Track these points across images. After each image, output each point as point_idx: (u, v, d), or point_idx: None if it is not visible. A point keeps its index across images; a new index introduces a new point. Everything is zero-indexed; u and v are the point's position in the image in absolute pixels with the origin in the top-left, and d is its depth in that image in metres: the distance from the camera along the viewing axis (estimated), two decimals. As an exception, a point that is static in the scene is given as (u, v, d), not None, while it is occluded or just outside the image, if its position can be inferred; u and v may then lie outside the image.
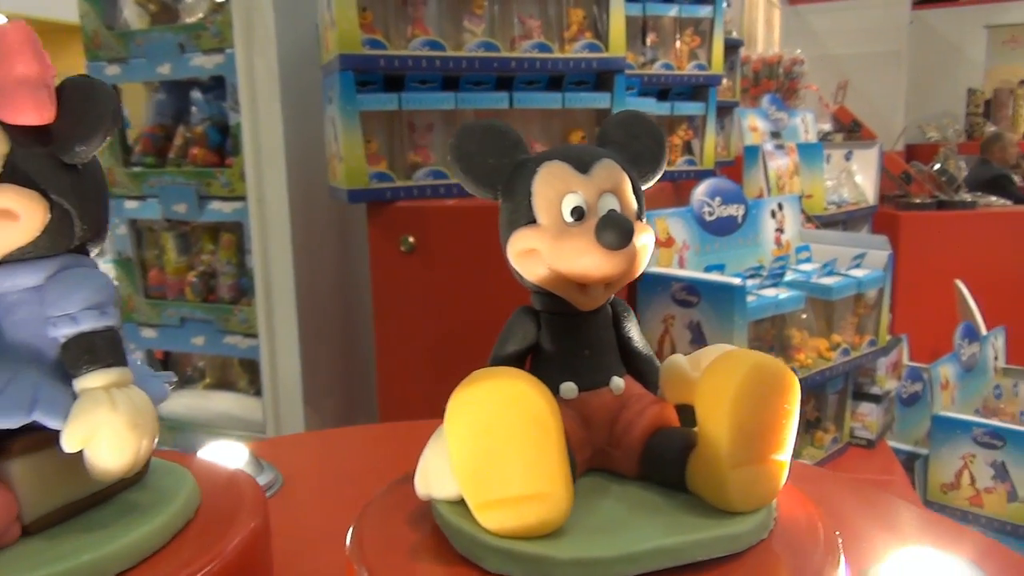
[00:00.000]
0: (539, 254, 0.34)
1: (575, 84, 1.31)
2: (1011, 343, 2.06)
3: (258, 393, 1.84)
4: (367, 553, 0.33)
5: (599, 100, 1.30)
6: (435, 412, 1.01)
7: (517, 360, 0.36)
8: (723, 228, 1.40)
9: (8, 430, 0.32)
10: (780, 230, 1.49)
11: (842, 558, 0.31)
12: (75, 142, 0.34)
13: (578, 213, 0.34)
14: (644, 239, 0.35)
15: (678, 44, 1.61)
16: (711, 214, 1.38)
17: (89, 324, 0.33)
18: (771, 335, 1.30)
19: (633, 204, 0.36)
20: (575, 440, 0.34)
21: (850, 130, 4.31)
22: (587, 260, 0.32)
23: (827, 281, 1.31)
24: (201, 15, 1.67)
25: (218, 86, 1.65)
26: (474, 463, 0.30)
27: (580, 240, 0.33)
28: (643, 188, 0.37)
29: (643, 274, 1.30)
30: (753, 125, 1.95)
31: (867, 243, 1.43)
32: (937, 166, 3.45)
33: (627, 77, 1.33)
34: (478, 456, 0.30)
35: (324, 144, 1.41)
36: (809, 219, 1.67)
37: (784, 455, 0.32)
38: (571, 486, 0.30)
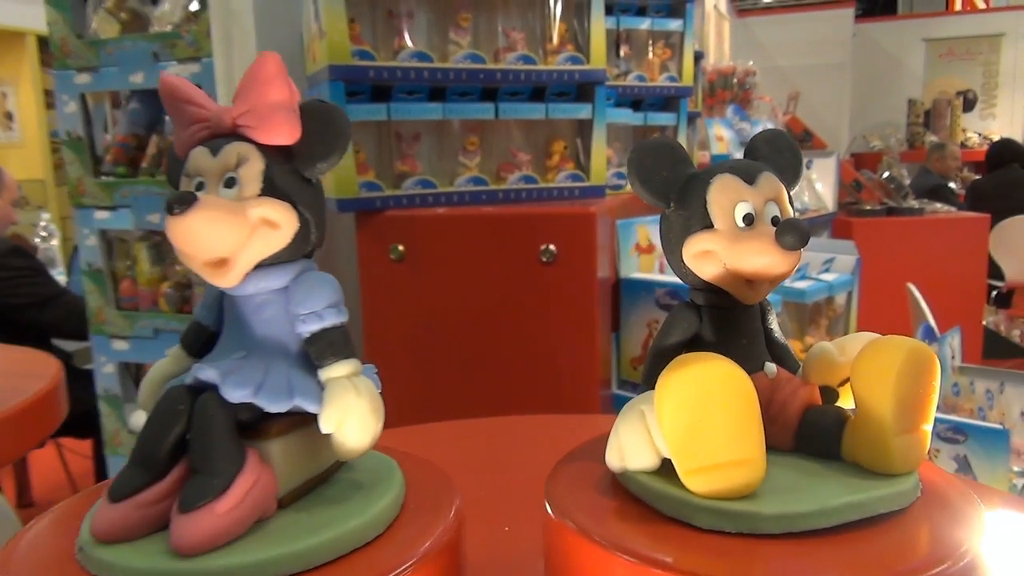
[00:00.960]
0: (715, 255, 0.38)
1: (557, 95, 1.34)
2: (963, 342, 2.16)
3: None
4: (577, 518, 0.36)
5: (581, 110, 1.34)
6: (424, 418, 1.04)
7: (680, 349, 0.40)
8: (700, 234, 1.44)
9: (259, 416, 0.35)
10: (752, 236, 1.55)
11: (979, 501, 0.38)
12: (317, 160, 0.38)
13: (749, 219, 0.39)
14: None
15: (650, 56, 1.66)
16: (688, 221, 1.42)
17: (331, 320, 0.37)
18: (749, 337, 1.34)
19: (790, 210, 0.41)
20: None
21: (802, 140, 4.46)
22: (766, 259, 0.37)
23: (800, 285, 1.37)
24: (173, 24, 1.66)
25: (193, 95, 1.64)
26: (686, 434, 0.35)
27: (758, 242, 0.37)
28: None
29: (626, 280, 1.33)
30: (719, 134, 2.02)
31: (835, 248, 1.49)
32: (886, 174, 3.59)
33: (606, 87, 1.36)
34: (690, 428, 0.35)
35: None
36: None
37: (930, 425, 0.37)
38: (765, 453, 0.36)
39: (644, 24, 1.62)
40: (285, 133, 0.37)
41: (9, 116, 6.39)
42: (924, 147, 7.03)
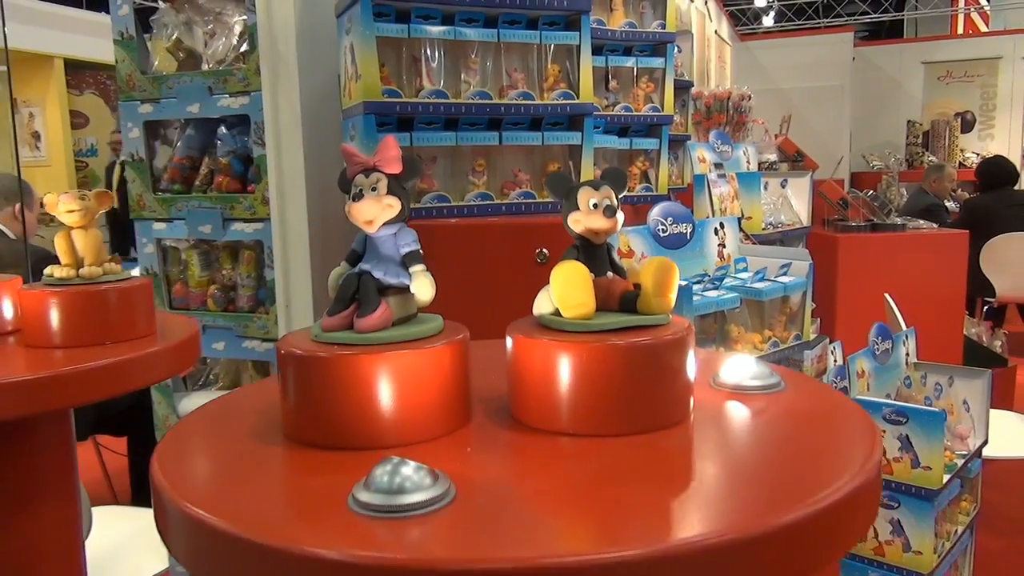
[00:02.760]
0: (579, 221, 0.75)
1: (551, 124, 1.60)
2: (927, 343, 2.38)
3: (270, 393, 2.07)
4: (525, 332, 0.74)
5: (572, 138, 1.59)
6: None
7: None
8: (675, 243, 1.69)
9: (383, 287, 0.74)
10: (722, 245, 1.79)
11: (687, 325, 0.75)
12: (407, 179, 0.76)
13: (595, 206, 0.77)
14: None
15: (636, 90, 1.91)
16: (664, 231, 1.67)
17: (415, 247, 0.75)
18: (714, 329, 1.58)
19: (616, 203, 0.77)
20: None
21: (794, 160, 4.69)
22: (600, 223, 0.76)
23: (759, 285, 1.61)
24: (222, 62, 1.93)
25: (242, 123, 1.91)
26: (562, 293, 0.72)
27: (597, 215, 0.75)
28: None
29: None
30: (702, 157, 2.26)
31: (792, 255, 1.73)
32: (871, 193, 3.81)
33: (593, 118, 1.62)
34: (564, 290, 0.72)
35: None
36: (747, 236, 1.97)
37: (673, 295, 0.75)
38: (595, 302, 0.74)
39: (630, 62, 1.88)
40: (397, 168, 0.75)
41: (36, 136, 6.73)
42: (923, 167, 7.24)
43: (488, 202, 1.54)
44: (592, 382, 0.71)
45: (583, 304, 0.73)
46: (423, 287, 0.75)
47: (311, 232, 1.76)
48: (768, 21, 9.56)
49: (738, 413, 0.79)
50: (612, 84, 1.88)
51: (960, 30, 10.59)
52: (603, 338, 0.71)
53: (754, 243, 2.01)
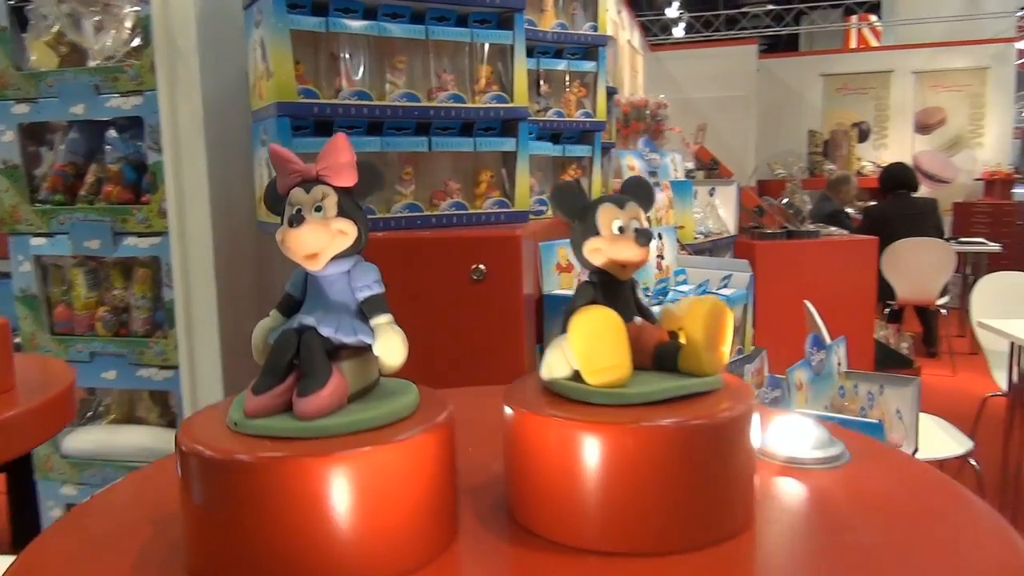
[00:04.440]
0: (601, 251, 0.60)
1: (484, 130, 1.48)
2: (849, 350, 2.39)
3: (171, 424, 1.86)
4: (533, 405, 0.58)
5: (506, 144, 1.48)
6: None
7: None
8: (614, 255, 1.60)
9: (334, 347, 0.57)
10: (661, 256, 1.72)
11: (752, 391, 0.59)
12: (365, 194, 0.59)
13: (620, 229, 0.61)
14: None
15: (568, 94, 1.82)
16: (603, 243, 1.58)
17: (376, 290, 0.57)
18: (658, 346, 1.50)
19: (646, 223, 0.63)
20: None
21: (710, 168, 4.75)
22: (631, 252, 0.61)
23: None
24: (111, 58, 1.72)
25: (134, 126, 1.71)
26: (586, 351, 0.56)
27: (626, 242, 0.60)
28: None
29: (549, 296, 1.47)
30: (631, 164, 2.20)
31: (732, 267, 1.67)
32: (785, 200, 3.88)
33: (528, 123, 1.51)
34: (589, 346, 0.56)
35: (250, 182, 1.51)
36: (683, 247, 1.91)
37: (726, 347, 0.60)
38: (631, 362, 0.58)
39: (561, 65, 1.78)
40: (350, 179, 0.58)
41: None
42: (823, 175, 7.51)
43: (417, 213, 1.41)
44: (632, 479, 0.52)
45: (617, 367, 0.56)
46: (391, 348, 0.56)
47: (216, 247, 1.58)
48: (678, 32, 9.76)
49: (811, 505, 0.60)
50: (543, 88, 1.78)
51: (854, 44, 11.11)
52: (646, 415, 0.53)
53: (690, 253, 1.95)
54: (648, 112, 3.87)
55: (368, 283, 0.58)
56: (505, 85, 1.49)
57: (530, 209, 1.53)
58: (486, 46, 1.47)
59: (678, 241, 1.90)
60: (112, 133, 1.75)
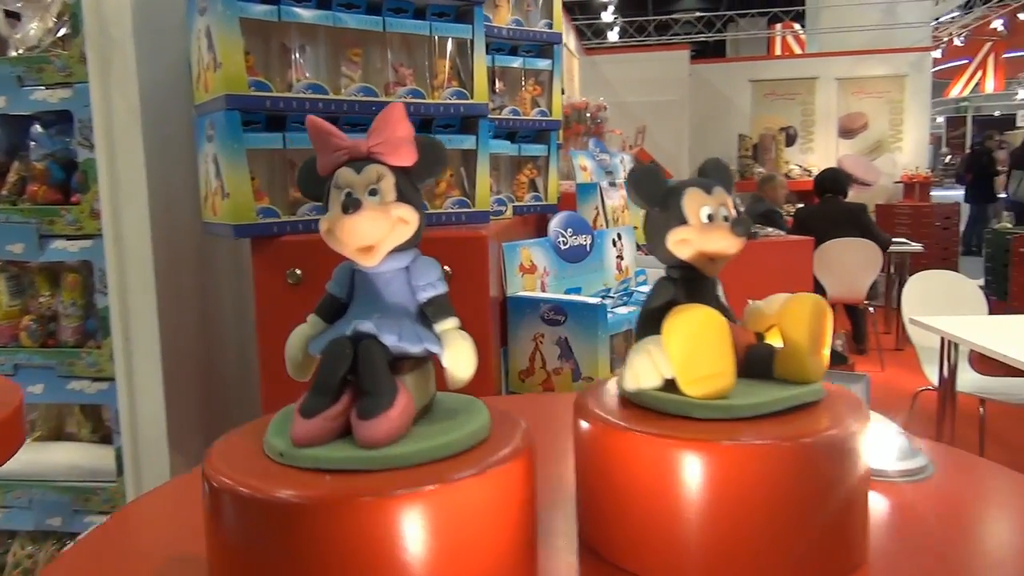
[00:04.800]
0: (689, 241, 0.53)
1: (443, 127, 1.43)
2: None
3: (104, 440, 1.74)
4: (619, 420, 0.50)
5: (466, 141, 1.43)
6: None
7: (664, 310, 0.53)
8: (575, 255, 1.57)
9: (396, 357, 0.48)
10: (620, 257, 1.70)
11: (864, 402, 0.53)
12: (426, 175, 0.51)
13: (710, 217, 0.55)
14: None
15: (523, 92, 1.78)
16: (565, 243, 1.55)
17: (441, 289, 0.49)
18: (624, 348, 1.47)
19: (734, 211, 0.58)
20: None
21: (650, 170, 4.81)
22: (726, 243, 0.55)
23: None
24: (35, 47, 1.60)
25: (62, 121, 1.59)
26: (687, 356, 0.49)
27: (720, 231, 0.54)
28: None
29: (513, 297, 1.43)
30: (583, 165, 2.17)
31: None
32: (724, 202, 3.94)
33: (488, 120, 1.46)
34: (690, 352, 0.49)
35: (193, 180, 1.42)
36: (639, 247, 1.89)
37: (828, 350, 0.54)
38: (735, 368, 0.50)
39: (517, 63, 1.75)
40: (408, 157, 0.50)
41: None
42: (754, 178, 7.71)
43: (375, 214, 1.35)
44: (743, 505, 0.45)
45: (721, 374, 0.49)
46: (463, 358, 0.48)
47: (156, 250, 1.48)
48: (613, 36, 9.88)
49: (925, 537, 0.53)
50: (499, 86, 1.74)
51: (779, 51, 11.46)
52: (756, 430, 0.47)
53: (646, 254, 1.94)
54: (588, 115, 3.88)
55: (432, 280, 0.50)
56: (464, 81, 1.44)
57: (490, 209, 1.48)
58: (442, 40, 1.41)
59: (636, 241, 1.89)
60: (37, 128, 1.63)
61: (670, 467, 0.46)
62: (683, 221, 0.54)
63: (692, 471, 0.45)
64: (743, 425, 0.48)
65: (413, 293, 0.50)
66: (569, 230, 1.56)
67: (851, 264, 5.07)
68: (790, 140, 9.07)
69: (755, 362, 0.54)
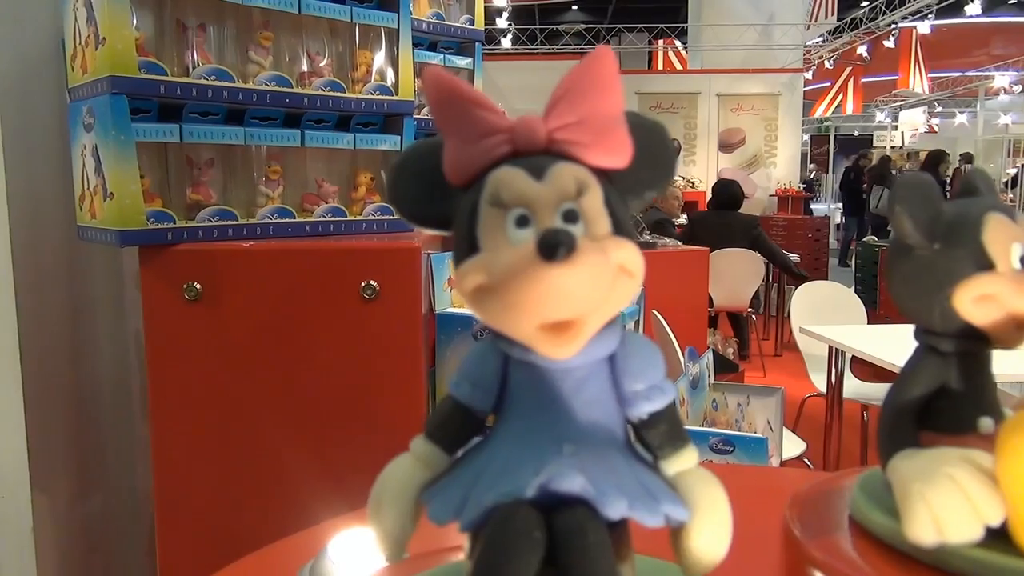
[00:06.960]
0: (997, 298, 0.35)
1: (362, 125, 1.29)
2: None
3: (-53, 482, 1.48)
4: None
5: (389, 142, 1.30)
6: (230, 480, 0.93)
7: (925, 401, 0.37)
8: (504, 268, 1.46)
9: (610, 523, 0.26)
10: (547, 269, 1.60)
11: None
12: (647, 187, 0.30)
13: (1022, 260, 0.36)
14: None
15: (442, 91, 1.66)
16: (493, 255, 1.43)
17: (671, 395, 0.29)
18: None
19: None
20: None
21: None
22: None
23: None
24: None
25: None
26: None
27: None
28: None
29: (442, 314, 1.30)
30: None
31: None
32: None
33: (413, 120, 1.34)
34: None
35: (66, 177, 1.20)
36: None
37: None
38: None
39: (436, 59, 1.62)
40: (624, 154, 0.28)
41: None
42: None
43: (287, 220, 1.19)
44: None
45: None
46: (722, 530, 0.28)
47: (17, 260, 1.25)
48: (506, 43, 9.87)
49: None
50: (418, 83, 1.60)
51: (660, 66, 11.84)
52: None
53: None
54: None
55: (657, 382, 0.29)
56: (387, 76, 1.30)
57: (414, 216, 1.35)
58: (363, 28, 1.27)
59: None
60: None
61: None
62: (986, 266, 0.36)
63: None
64: None
65: (620, 402, 0.29)
66: (497, 240, 1.45)
67: (737, 273, 5.24)
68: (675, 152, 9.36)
69: None
